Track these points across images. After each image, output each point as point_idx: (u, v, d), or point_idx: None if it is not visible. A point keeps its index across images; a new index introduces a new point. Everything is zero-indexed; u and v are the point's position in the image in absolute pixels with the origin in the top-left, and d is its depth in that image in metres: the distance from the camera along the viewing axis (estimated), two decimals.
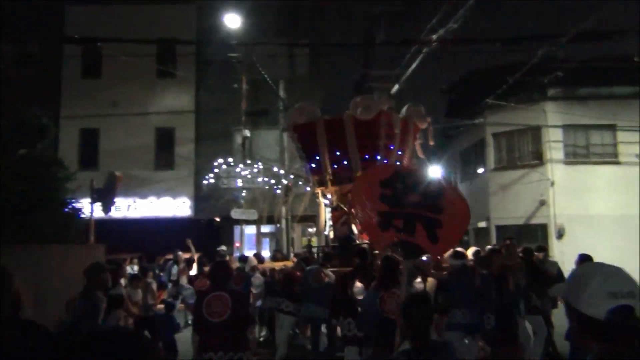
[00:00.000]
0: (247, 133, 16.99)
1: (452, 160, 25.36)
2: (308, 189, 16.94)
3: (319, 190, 10.38)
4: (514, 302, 6.29)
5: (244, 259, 8.95)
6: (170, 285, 12.66)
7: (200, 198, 18.69)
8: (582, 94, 18.71)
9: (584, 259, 6.28)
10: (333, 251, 8.86)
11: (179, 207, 19.30)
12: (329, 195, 9.98)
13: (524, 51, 15.52)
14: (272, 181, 16.85)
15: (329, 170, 9.44)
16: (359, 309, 5.76)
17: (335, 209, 9.96)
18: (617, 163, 18.38)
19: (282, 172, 16.97)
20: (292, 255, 13.01)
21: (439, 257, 6.35)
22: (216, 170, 16.42)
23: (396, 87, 16.29)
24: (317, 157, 9.60)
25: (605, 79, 18.42)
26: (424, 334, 2.84)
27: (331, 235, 10.17)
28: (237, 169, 16.55)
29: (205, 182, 16.82)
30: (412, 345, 2.81)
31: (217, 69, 18.54)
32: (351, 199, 6.09)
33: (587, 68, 17.81)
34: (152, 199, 19.19)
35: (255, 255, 12.20)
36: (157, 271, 15.68)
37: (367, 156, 9.33)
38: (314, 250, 10.48)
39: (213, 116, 18.58)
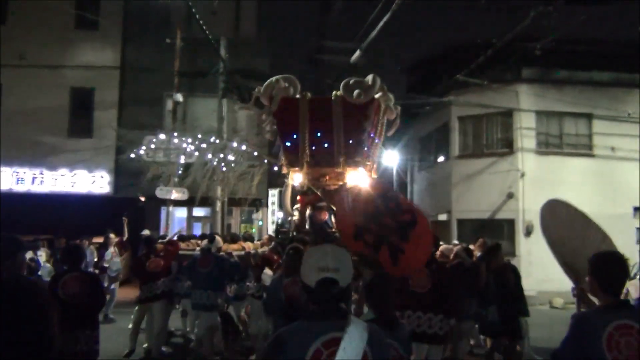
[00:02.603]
0: (180, 98, 15.00)
1: (410, 146, 23.94)
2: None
3: (288, 171, 9.46)
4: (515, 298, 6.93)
5: (211, 238, 8.27)
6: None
7: (122, 173, 16.44)
8: (558, 78, 17.52)
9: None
10: (307, 237, 8.24)
11: (96, 182, 17.13)
12: (299, 178, 9.16)
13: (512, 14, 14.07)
14: (209, 156, 14.82)
15: (307, 151, 8.68)
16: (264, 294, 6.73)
17: (304, 193, 9.42)
18: (592, 155, 17.41)
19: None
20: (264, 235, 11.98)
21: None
22: (142, 140, 14.30)
23: (356, 54, 14.47)
24: (295, 136, 8.78)
25: (584, 63, 17.32)
26: (381, 310, 3.23)
27: (295, 219, 9.50)
28: (167, 140, 14.48)
29: (128, 154, 14.65)
30: (376, 315, 3.19)
31: (148, 21, 16.35)
32: (336, 203, 6.33)
33: (565, 50, 16.68)
34: (63, 171, 16.98)
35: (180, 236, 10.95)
36: (58, 256, 13.63)
37: (351, 141, 8.60)
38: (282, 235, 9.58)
39: (141, 77, 16.44)
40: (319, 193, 9.08)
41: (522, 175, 17.02)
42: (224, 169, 15.09)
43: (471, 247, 9.42)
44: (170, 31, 15.82)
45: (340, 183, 9.02)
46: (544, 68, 17.42)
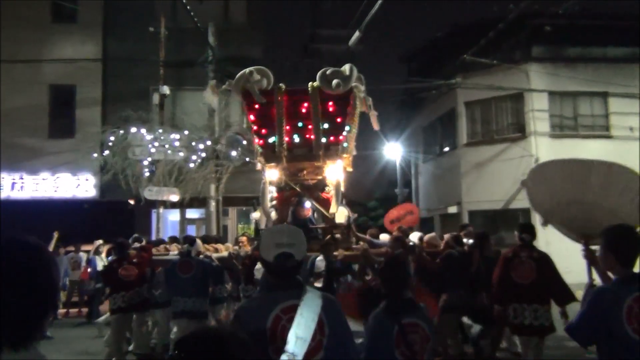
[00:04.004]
0: (167, 90, 14.04)
1: (413, 137, 22.95)
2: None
3: (262, 167, 9.36)
4: None
5: (191, 241, 7.70)
6: None
7: (108, 175, 15.36)
8: (571, 55, 16.58)
9: None
10: None
11: (80, 185, 16.09)
12: (276, 174, 9.02)
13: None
14: (194, 157, 13.87)
15: (284, 145, 8.68)
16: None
17: (282, 189, 9.16)
18: (609, 137, 16.50)
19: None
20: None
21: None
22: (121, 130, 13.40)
23: (356, 35, 13.51)
24: (271, 130, 8.78)
25: (598, 39, 16.40)
26: (397, 292, 3.28)
27: (273, 217, 9.07)
28: (153, 137, 13.50)
29: (107, 149, 13.75)
30: (387, 301, 3.27)
31: (130, 9, 15.36)
32: None
33: (577, 25, 15.80)
34: (45, 175, 15.97)
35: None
36: None
37: (329, 133, 8.67)
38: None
39: (125, 71, 15.41)
40: (297, 188, 8.89)
41: (537, 160, 16.04)
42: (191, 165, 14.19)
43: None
44: (153, 20, 14.84)
45: (319, 177, 9.01)
46: (556, 45, 16.60)
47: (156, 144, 12.98)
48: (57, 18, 16.23)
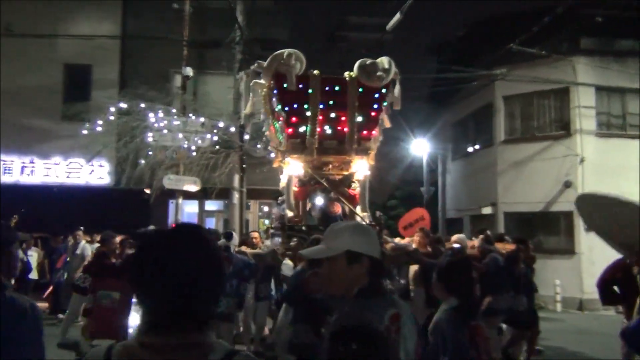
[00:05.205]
0: (190, 72, 13.19)
1: (441, 134, 21.97)
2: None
3: (281, 159, 9.12)
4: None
5: (228, 235, 7.68)
6: None
7: (125, 161, 14.56)
8: (621, 49, 15.57)
9: None
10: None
11: (94, 172, 15.43)
12: (299, 167, 8.65)
13: None
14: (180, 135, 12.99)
15: (316, 136, 8.38)
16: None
17: (305, 183, 8.92)
18: None
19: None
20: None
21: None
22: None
23: (396, 18, 12.66)
24: (301, 119, 8.44)
25: None
26: (469, 291, 3.26)
27: (289, 213, 8.59)
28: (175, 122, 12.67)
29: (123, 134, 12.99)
30: (459, 302, 3.14)
31: None
32: None
33: (629, 17, 14.84)
34: (57, 160, 15.34)
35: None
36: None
37: (363, 127, 8.56)
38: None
39: (145, 52, 14.59)
40: (324, 182, 8.62)
41: (582, 160, 15.11)
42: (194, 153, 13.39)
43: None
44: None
45: (345, 172, 8.86)
46: (605, 37, 15.55)
47: (176, 123, 12.13)
48: None
